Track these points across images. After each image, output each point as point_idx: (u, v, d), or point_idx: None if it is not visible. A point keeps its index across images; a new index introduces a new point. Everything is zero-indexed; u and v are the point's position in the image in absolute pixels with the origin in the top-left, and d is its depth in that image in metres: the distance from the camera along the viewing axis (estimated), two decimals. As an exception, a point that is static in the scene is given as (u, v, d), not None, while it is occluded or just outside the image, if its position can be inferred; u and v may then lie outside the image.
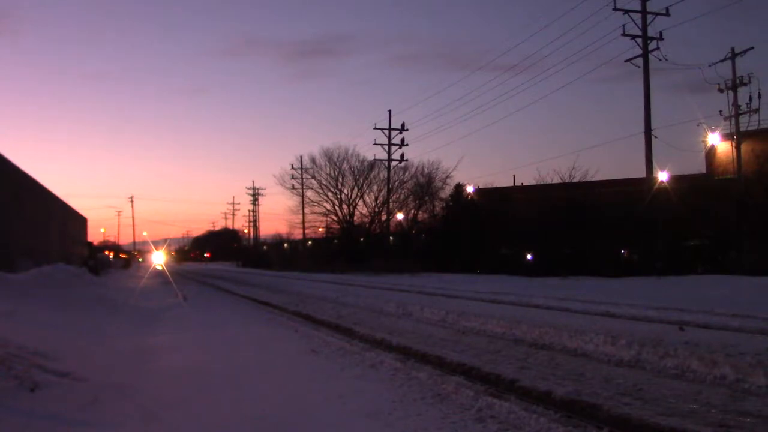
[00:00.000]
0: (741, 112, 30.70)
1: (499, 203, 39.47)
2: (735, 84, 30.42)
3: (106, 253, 63.89)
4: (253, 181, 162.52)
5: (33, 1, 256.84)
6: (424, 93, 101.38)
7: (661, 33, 28.56)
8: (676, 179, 30.54)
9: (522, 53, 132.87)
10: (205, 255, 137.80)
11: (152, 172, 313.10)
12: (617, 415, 5.50)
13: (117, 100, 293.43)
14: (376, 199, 55.17)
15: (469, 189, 43.17)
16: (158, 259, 68.21)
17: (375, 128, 49.11)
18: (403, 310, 14.87)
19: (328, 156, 57.21)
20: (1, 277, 14.31)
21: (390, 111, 49.51)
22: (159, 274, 47.29)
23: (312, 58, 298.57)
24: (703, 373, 6.99)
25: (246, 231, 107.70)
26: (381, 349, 9.53)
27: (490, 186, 44.67)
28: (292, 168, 63.95)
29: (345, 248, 53.13)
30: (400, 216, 52.21)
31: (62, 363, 7.74)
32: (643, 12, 28.40)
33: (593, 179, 36.55)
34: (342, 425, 5.49)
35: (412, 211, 51.94)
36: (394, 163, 50.79)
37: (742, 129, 31.03)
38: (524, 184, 45.86)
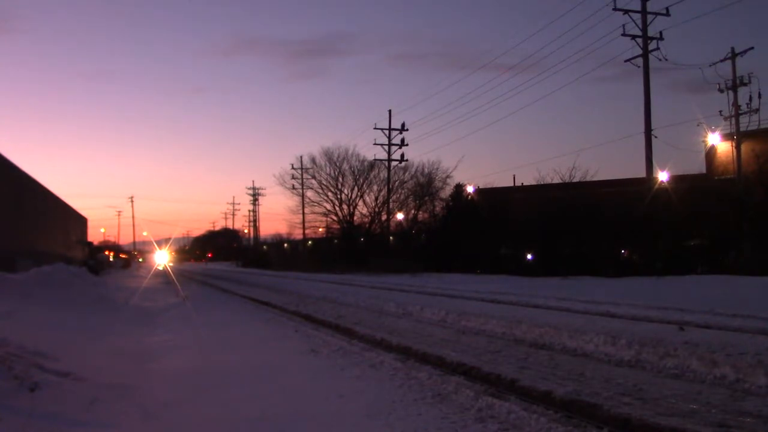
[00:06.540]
0: (741, 112, 30.72)
1: (499, 203, 39.42)
2: (735, 84, 30.43)
3: (106, 253, 63.91)
4: (253, 181, 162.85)
5: (33, 1, 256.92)
6: (424, 93, 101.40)
7: (661, 33, 28.61)
8: (676, 179, 30.51)
9: (522, 53, 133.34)
10: (206, 255, 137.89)
11: (152, 172, 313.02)
12: (617, 414, 5.49)
13: (117, 100, 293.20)
14: (376, 199, 55.25)
15: (469, 189, 43.14)
16: (161, 258, 67.66)
17: (375, 128, 49.17)
18: (403, 310, 14.88)
19: (328, 156, 57.31)
20: (1, 277, 14.31)
21: (390, 111, 49.50)
22: (160, 274, 47.24)
23: (312, 58, 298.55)
24: (703, 373, 6.99)
25: (246, 231, 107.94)
26: (381, 349, 9.53)
27: (490, 186, 44.73)
28: (292, 168, 64.10)
29: (345, 248, 53.12)
30: (400, 216, 52.21)
31: (62, 363, 7.73)
32: (643, 12, 28.42)
33: (593, 179, 36.65)
34: (342, 425, 5.49)
35: (412, 211, 51.97)
36: (394, 163, 50.89)
37: (742, 129, 31.03)
38: (524, 184, 45.88)
